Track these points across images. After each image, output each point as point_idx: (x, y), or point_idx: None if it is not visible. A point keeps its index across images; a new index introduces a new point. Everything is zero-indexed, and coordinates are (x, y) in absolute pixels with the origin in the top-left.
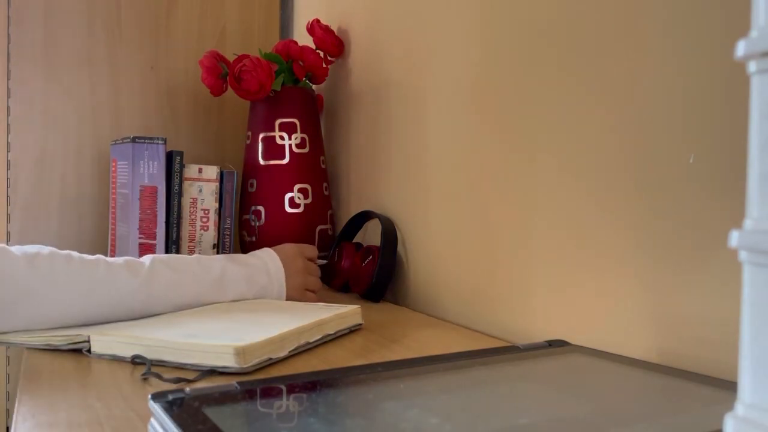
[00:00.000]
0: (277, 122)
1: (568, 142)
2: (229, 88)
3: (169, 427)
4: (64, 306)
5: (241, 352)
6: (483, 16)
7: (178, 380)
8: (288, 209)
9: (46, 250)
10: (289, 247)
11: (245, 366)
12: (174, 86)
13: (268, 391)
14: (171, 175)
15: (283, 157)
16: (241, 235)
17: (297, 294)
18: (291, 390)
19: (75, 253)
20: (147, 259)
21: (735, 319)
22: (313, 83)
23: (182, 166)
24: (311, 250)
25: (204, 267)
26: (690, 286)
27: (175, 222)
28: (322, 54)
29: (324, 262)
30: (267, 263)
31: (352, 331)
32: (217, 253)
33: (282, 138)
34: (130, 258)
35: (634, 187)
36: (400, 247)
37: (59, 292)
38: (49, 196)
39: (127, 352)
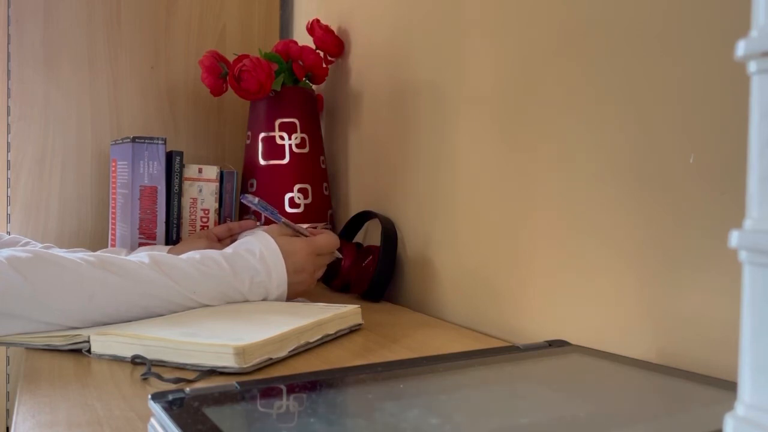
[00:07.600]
0: (277, 122)
1: (569, 142)
2: (229, 88)
3: (169, 427)
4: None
5: (240, 352)
6: (484, 16)
7: (178, 380)
8: (288, 209)
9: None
10: (300, 251)
11: (245, 366)
12: (174, 86)
13: (268, 391)
14: (171, 175)
15: (283, 157)
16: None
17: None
18: (291, 390)
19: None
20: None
21: (735, 319)
22: (313, 83)
23: (182, 166)
24: (326, 246)
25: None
26: (690, 286)
27: (175, 222)
28: (322, 54)
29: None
30: (270, 272)
31: (352, 331)
32: None
33: (282, 138)
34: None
35: (635, 188)
36: (400, 247)
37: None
38: (49, 196)
39: (127, 352)
